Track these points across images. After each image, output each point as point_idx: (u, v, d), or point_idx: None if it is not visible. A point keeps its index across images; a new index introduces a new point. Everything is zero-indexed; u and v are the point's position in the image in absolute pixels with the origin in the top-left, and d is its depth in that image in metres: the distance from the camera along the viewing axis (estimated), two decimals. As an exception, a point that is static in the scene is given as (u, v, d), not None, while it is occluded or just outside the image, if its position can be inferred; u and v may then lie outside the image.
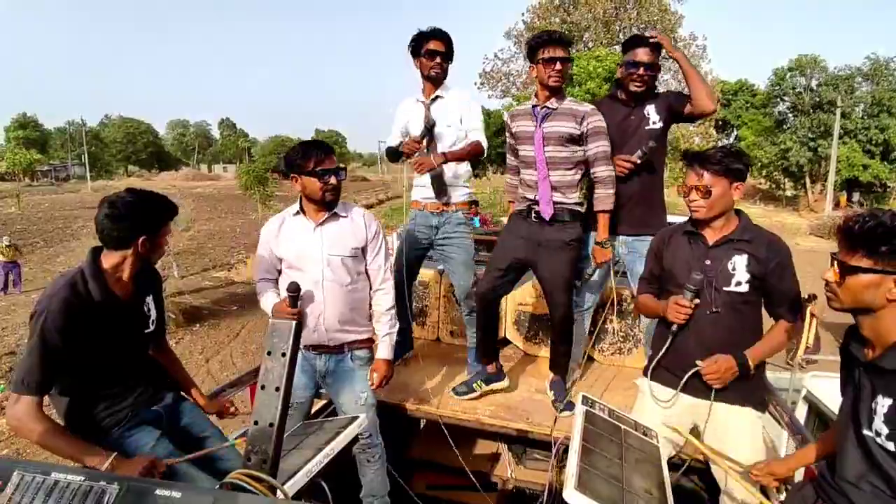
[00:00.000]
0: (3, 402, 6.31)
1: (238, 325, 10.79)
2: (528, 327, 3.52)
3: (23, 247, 15.87)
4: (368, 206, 27.35)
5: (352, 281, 2.30)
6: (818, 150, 28.83)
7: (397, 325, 2.46)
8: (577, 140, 2.54)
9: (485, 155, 2.89)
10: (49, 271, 14.10)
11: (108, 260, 1.71)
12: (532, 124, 2.56)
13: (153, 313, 1.89)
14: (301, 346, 2.33)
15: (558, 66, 2.45)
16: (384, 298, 2.40)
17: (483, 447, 3.20)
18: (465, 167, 2.97)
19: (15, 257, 12.72)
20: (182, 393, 2.05)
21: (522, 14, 26.34)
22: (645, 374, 2.22)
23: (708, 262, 1.99)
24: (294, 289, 2.06)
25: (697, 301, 1.99)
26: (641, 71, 2.62)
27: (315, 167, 2.16)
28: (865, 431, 1.37)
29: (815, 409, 3.87)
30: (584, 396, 2.03)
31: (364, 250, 2.34)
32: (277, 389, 1.10)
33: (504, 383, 2.93)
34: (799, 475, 2.14)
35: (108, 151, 64.53)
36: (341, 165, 2.26)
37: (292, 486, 1.38)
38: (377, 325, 2.42)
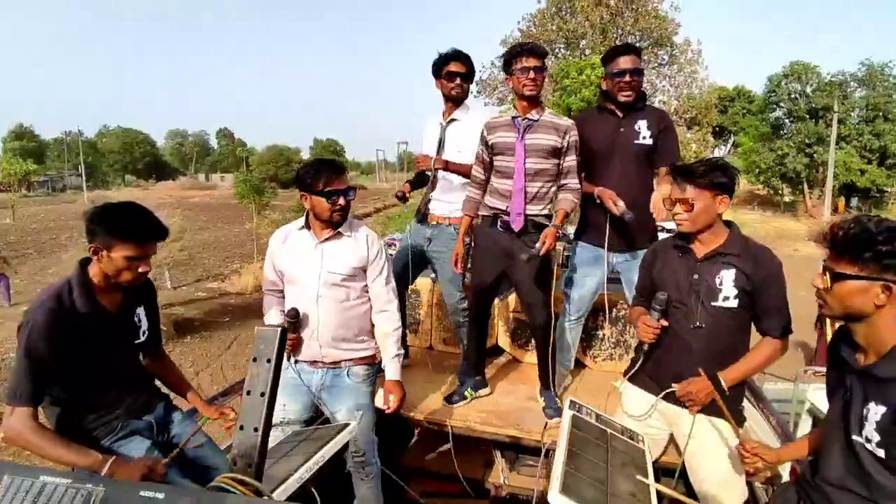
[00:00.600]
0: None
1: (230, 337, 10.67)
2: (519, 335, 3.54)
3: (16, 258, 15.60)
4: (366, 216, 27.42)
5: (348, 299, 2.29)
6: (814, 157, 28.95)
7: (402, 350, 2.42)
8: (558, 153, 2.57)
9: None
10: (40, 283, 13.77)
11: (93, 270, 1.72)
12: (513, 135, 2.56)
13: (144, 324, 1.90)
14: (296, 360, 2.36)
15: (532, 74, 2.47)
16: (388, 321, 2.35)
17: (477, 454, 3.21)
18: (461, 182, 2.99)
19: (2, 269, 12.07)
20: (173, 402, 2.06)
21: (518, 22, 26.61)
22: (624, 375, 2.25)
23: (696, 276, 1.98)
24: (293, 315, 2.13)
25: (664, 322, 2.00)
26: (628, 78, 2.62)
27: (324, 187, 2.15)
28: (855, 437, 1.36)
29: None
30: (571, 401, 2.06)
31: (365, 270, 2.33)
32: (262, 395, 1.12)
33: (487, 390, 3.03)
34: (785, 475, 2.16)
35: (106, 161, 64.40)
36: (351, 185, 2.25)
37: (283, 492, 1.39)
38: (383, 348, 2.37)
